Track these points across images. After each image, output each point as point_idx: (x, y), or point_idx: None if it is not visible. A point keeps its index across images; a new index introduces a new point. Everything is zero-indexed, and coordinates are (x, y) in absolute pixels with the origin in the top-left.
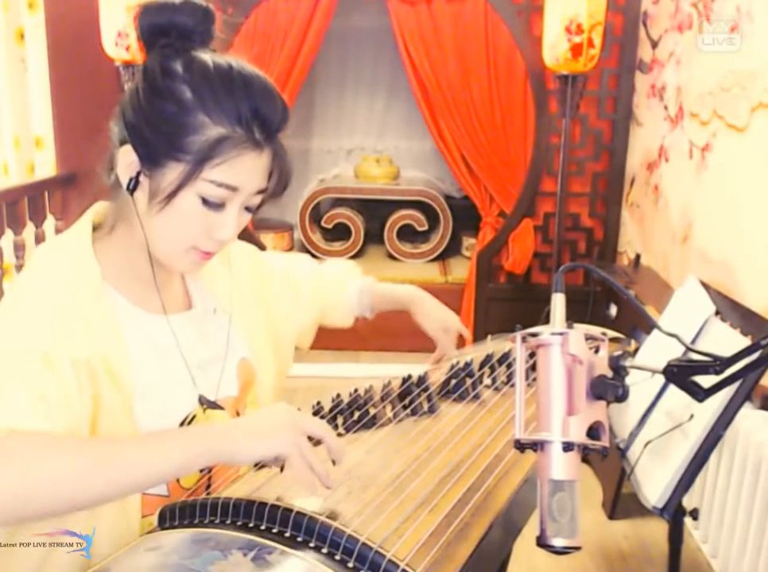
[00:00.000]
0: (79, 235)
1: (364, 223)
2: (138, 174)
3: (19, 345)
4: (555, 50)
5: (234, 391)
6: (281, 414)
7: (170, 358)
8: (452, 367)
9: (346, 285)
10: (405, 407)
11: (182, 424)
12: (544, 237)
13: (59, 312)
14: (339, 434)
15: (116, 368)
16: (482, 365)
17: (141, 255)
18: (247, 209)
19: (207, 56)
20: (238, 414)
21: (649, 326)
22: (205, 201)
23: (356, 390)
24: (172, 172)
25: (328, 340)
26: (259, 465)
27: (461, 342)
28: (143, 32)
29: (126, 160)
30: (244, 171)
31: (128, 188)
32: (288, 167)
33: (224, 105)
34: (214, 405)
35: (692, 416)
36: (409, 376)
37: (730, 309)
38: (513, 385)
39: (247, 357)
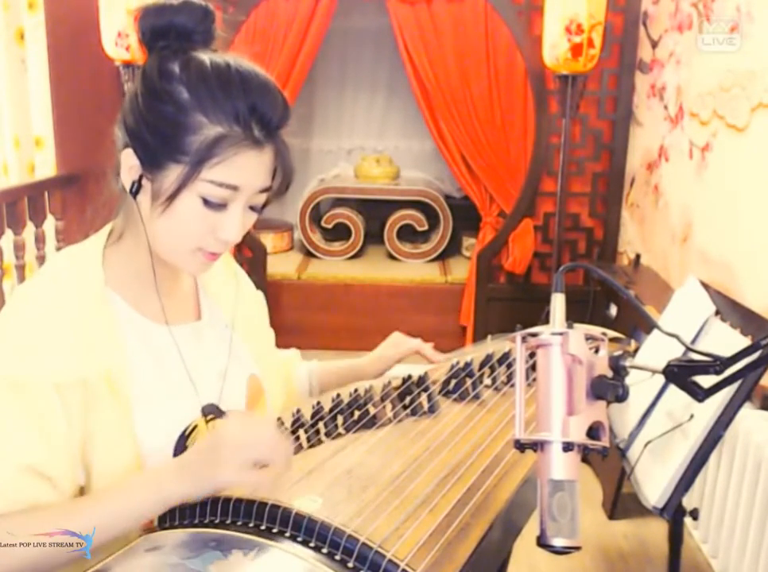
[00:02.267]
0: (93, 243)
1: (364, 223)
2: (141, 177)
3: None
4: (555, 50)
5: (241, 406)
6: (223, 447)
7: (172, 368)
8: (452, 367)
9: (296, 368)
10: (405, 407)
11: (183, 435)
12: (544, 237)
13: (51, 333)
14: (339, 434)
15: (117, 381)
16: (482, 365)
17: (146, 260)
18: (252, 208)
19: (204, 56)
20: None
21: (649, 326)
22: (206, 201)
23: (356, 390)
24: (173, 174)
25: (328, 340)
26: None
27: (462, 342)
28: (144, 34)
29: (128, 164)
30: (244, 170)
31: (131, 192)
32: (291, 164)
33: (221, 104)
34: (220, 413)
35: (692, 416)
36: (409, 377)
37: (730, 309)
38: (513, 385)
39: (256, 374)
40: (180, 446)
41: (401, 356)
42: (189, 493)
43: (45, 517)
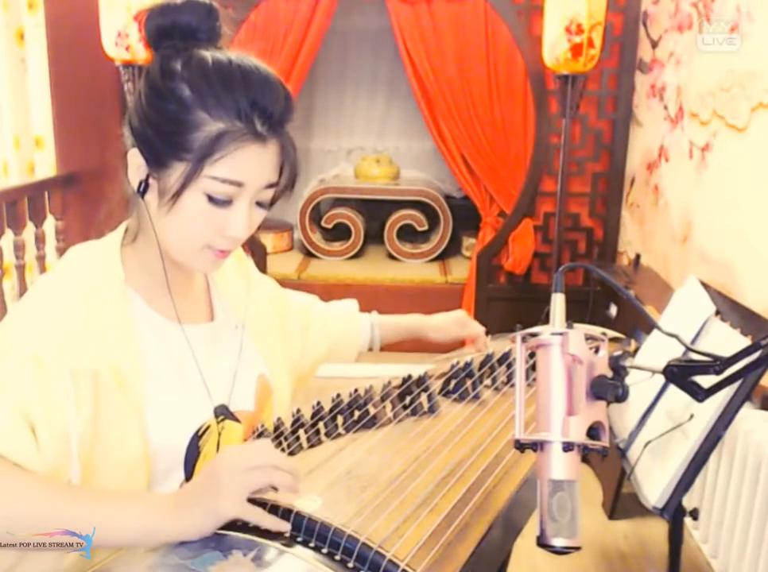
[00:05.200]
0: (110, 240)
1: (364, 223)
2: (147, 177)
3: (13, 348)
4: (555, 50)
5: (250, 406)
6: (221, 476)
7: (185, 368)
8: (452, 367)
9: (356, 322)
10: (405, 407)
11: (196, 435)
12: (544, 237)
13: (70, 321)
14: (339, 434)
15: (128, 378)
16: (482, 365)
17: (159, 261)
18: (260, 205)
19: (206, 53)
20: (253, 430)
21: (649, 326)
22: (211, 198)
23: (356, 390)
24: (176, 172)
25: None
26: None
27: (462, 342)
28: (150, 35)
29: (135, 164)
30: (247, 165)
31: (138, 191)
32: (295, 159)
33: (222, 100)
34: (232, 417)
35: (692, 416)
36: (409, 377)
37: (730, 309)
38: (513, 385)
39: (265, 374)
40: (193, 447)
41: (464, 337)
42: (188, 529)
43: (38, 490)
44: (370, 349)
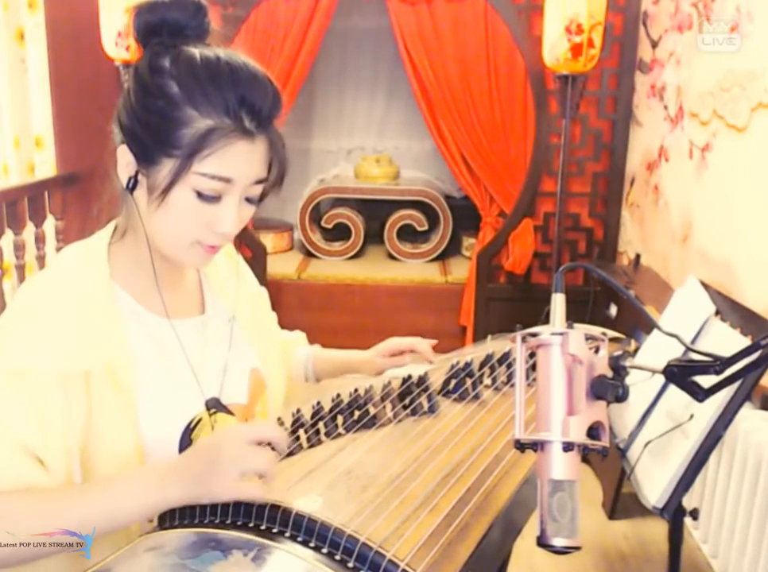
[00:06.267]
0: (98, 239)
1: (364, 223)
2: (137, 173)
3: (1, 367)
4: (555, 50)
5: (242, 399)
6: (222, 458)
7: (175, 362)
8: (452, 367)
9: (294, 350)
10: (405, 407)
11: (188, 428)
12: (544, 237)
13: (58, 324)
14: (339, 434)
15: (119, 374)
16: (482, 365)
17: (148, 257)
18: (249, 200)
19: (195, 50)
20: (246, 422)
21: (649, 326)
22: (200, 194)
23: (356, 390)
24: (165, 168)
25: (328, 340)
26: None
27: (462, 342)
28: (138, 32)
29: (124, 160)
30: (236, 161)
31: (127, 188)
32: (284, 155)
33: (211, 96)
34: (225, 410)
35: (692, 416)
36: (409, 377)
37: (730, 309)
38: (513, 385)
39: (258, 368)
40: (186, 439)
41: (393, 366)
42: (182, 498)
43: (37, 503)
44: (307, 381)
